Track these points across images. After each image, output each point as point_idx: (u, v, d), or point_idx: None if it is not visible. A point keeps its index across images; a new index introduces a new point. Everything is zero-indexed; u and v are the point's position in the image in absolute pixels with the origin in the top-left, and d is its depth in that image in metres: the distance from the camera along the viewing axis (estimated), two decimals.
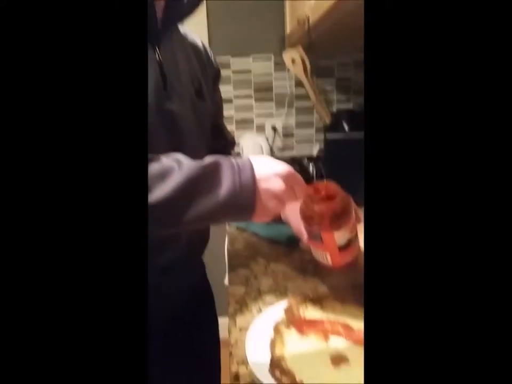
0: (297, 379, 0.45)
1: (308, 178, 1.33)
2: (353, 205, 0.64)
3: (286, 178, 0.54)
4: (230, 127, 1.54)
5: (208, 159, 0.52)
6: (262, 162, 0.54)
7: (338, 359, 0.47)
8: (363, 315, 0.58)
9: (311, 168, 1.35)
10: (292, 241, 0.90)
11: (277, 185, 0.53)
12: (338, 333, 0.53)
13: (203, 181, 0.49)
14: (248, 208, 0.51)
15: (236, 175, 0.50)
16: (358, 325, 0.55)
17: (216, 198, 0.49)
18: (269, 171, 0.53)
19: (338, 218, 0.61)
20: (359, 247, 0.67)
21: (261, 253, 0.88)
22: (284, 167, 0.55)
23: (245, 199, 0.50)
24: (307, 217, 0.62)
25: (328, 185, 0.63)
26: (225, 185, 0.49)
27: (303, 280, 0.74)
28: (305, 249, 0.88)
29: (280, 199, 0.54)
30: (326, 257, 0.64)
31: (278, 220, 0.78)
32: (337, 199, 0.61)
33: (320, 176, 1.30)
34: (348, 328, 0.54)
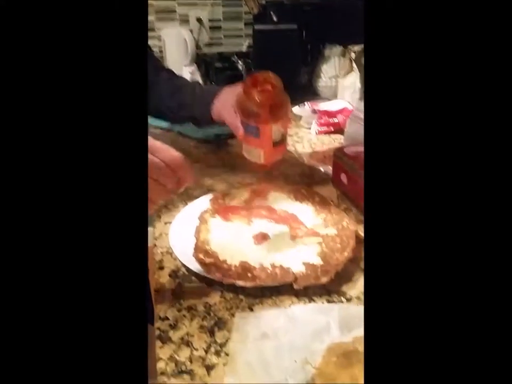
0: (221, 259, 0.46)
1: (237, 75, 1.27)
2: (288, 98, 0.62)
3: None
4: (149, 17, 1.36)
5: None
6: None
7: (260, 237, 0.49)
8: (287, 198, 0.61)
9: (240, 65, 1.27)
10: (220, 139, 0.88)
11: None
12: (261, 216, 0.54)
13: None
14: None
15: None
16: (281, 206, 0.57)
17: None
18: None
19: (278, 109, 0.59)
20: (287, 144, 0.67)
21: (188, 152, 0.84)
22: None
23: None
24: (245, 109, 0.59)
25: (267, 75, 0.60)
26: None
27: (231, 176, 0.74)
28: (234, 146, 0.87)
29: None
30: (259, 155, 0.63)
31: (210, 121, 0.73)
32: (277, 89, 0.58)
33: (249, 73, 1.24)
34: (270, 210, 0.55)
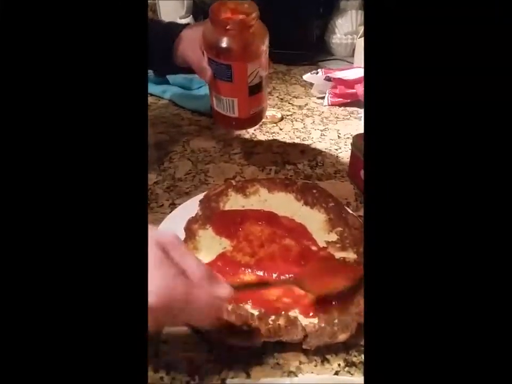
0: None
1: None
2: (266, 32, 0.48)
3: None
4: None
5: None
6: None
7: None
8: (294, 200, 0.50)
9: None
10: None
11: None
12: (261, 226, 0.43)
13: None
14: None
15: None
16: (287, 212, 0.46)
17: None
18: None
19: (254, 43, 0.46)
20: (267, 95, 0.54)
21: (180, 129, 0.72)
22: None
23: None
24: (213, 43, 0.46)
25: (240, 1, 0.47)
26: None
27: (227, 162, 0.62)
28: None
29: None
30: (231, 106, 0.50)
31: (172, 67, 0.57)
32: (253, 15, 0.45)
33: None
34: (273, 219, 0.44)
